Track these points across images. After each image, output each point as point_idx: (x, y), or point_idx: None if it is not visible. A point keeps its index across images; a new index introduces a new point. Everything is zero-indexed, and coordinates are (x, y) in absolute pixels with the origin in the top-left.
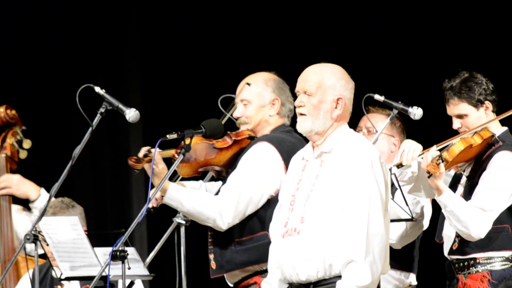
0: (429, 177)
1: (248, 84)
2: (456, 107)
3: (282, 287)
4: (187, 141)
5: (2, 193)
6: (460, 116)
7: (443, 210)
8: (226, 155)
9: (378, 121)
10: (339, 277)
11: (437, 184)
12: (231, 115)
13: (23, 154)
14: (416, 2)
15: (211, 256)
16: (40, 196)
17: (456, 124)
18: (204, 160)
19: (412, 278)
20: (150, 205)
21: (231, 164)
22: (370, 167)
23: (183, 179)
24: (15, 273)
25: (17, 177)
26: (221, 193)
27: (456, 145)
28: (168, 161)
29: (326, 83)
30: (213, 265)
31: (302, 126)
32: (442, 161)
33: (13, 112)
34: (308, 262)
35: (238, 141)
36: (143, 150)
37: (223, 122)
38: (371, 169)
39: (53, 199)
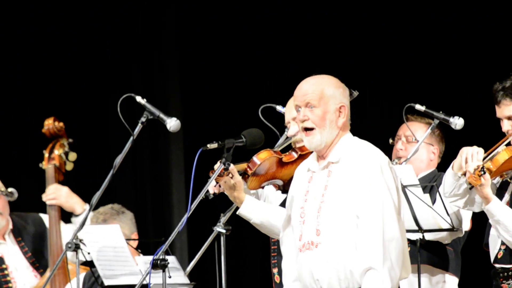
0: (470, 188)
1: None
2: (507, 108)
3: None
4: (259, 158)
5: (51, 203)
6: (511, 118)
7: (490, 220)
8: (291, 169)
9: (417, 129)
10: None
11: (485, 193)
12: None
13: (69, 166)
14: (457, 12)
15: (275, 270)
16: (84, 211)
17: (506, 126)
18: (272, 174)
19: (451, 282)
20: (211, 191)
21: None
22: (380, 173)
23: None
24: (65, 279)
25: (66, 190)
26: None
27: (501, 154)
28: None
29: (327, 93)
30: (277, 279)
31: (312, 142)
32: (484, 172)
33: (61, 124)
34: (331, 274)
35: (303, 155)
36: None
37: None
38: (381, 175)
39: (100, 207)
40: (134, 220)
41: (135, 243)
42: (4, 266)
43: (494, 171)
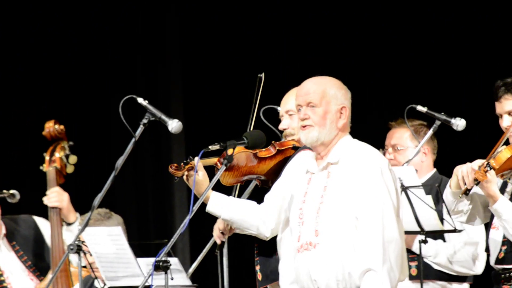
0: (477, 184)
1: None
2: (508, 102)
3: None
4: (230, 151)
5: (54, 206)
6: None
7: (497, 219)
8: (269, 164)
9: (403, 135)
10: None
11: (491, 191)
12: (277, 128)
13: (70, 169)
14: (457, 12)
15: (258, 268)
16: (77, 220)
17: (506, 121)
18: (246, 169)
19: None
20: (218, 241)
21: (277, 173)
22: (380, 174)
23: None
24: (67, 281)
25: (67, 196)
26: (265, 201)
27: (503, 152)
28: (210, 169)
29: (329, 93)
30: (259, 276)
31: (308, 136)
32: (490, 168)
33: (61, 127)
34: (329, 275)
35: (282, 150)
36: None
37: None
38: (381, 177)
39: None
40: (123, 224)
41: None
42: None
43: (497, 168)
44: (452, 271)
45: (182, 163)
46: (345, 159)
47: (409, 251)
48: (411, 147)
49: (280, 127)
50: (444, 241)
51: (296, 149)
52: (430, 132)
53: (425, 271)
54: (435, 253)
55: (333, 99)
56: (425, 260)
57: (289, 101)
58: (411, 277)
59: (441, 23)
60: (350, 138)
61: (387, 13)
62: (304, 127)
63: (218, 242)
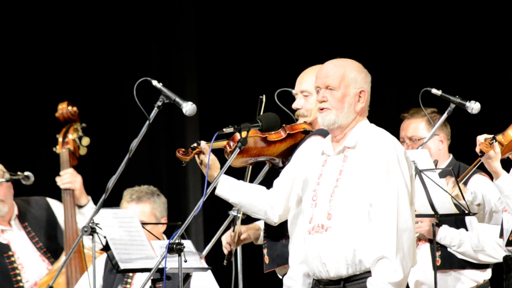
0: (481, 156)
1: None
2: None
3: (306, 281)
4: (244, 134)
5: (67, 187)
6: None
7: (501, 196)
8: (279, 147)
9: (418, 126)
10: (369, 272)
11: (494, 167)
12: (291, 109)
13: (82, 151)
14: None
15: (265, 251)
16: (88, 202)
17: None
18: (256, 151)
19: (488, 274)
20: (226, 252)
21: (287, 155)
22: (397, 162)
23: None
24: (81, 263)
25: (80, 178)
26: (274, 186)
27: None
28: (218, 152)
29: (348, 77)
30: (266, 259)
31: (325, 119)
32: (496, 140)
33: (74, 109)
34: (338, 259)
35: (292, 134)
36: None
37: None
38: (397, 165)
39: (136, 186)
40: (166, 206)
41: (163, 227)
42: (10, 253)
43: (506, 145)
44: (476, 260)
45: (190, 148)
46: (362, 144)
47: (431, 241)
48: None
49: (294, 106)
50: (467, 230)
51: (306, 133)
52: (445, 115)
53: (449, 261)
54: (459, 243)
55: (352, 83)
56: (449, 249)
57: (304, 81)
58: (437, 267)
59: (457, 3)
60: (368, 123)
61: (392, 4)
62: (322, 109)
63: (226, 252)
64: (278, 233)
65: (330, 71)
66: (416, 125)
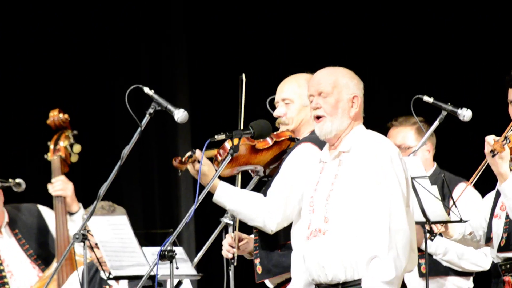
0: (493, 156)
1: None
2: None
3: None
4: (235, 141)
5: (58, 195)
6: None
7: (504, 200)
8: (266, 155)
9: (407, 135)
10: None
11: (503, 169)
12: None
13: (74, 158)
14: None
15: (257, 261)
16: (80, 209)
17: None
18: (244, 160)
19: (471, 282)
20: (230, 256)
21: (272, 164)
22: (390, 163)
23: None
24: (72, 270)
25: (71, 185)
26: (269, 195)
27: None
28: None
29: (341, 82)
30: (258, 269)
31: (322, 129)
32: (509, 141)
33: (66, 116)
34: (336, 261)
35: (278, 142)
36: (189, 153)
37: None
38: (391, 166)
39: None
40: (126, 216)
41: None
42: None
43: None
44: (461, 268)
45: (186, 157)
46: (356, 148)
47: (418, 249)
48: (414, 147)
49: (275, 114)
50: None
51: (293, 140)
52: (436, 123)
53: (434, 268)
54: (444, 251)
55: (344, 88)
56: (434, 257)
57: (285, 89)
58: (421, 274)
59: (448, 11)
60: (363, 128)
61: (390, 7)
62: (318, 118)
63: (230, 256)
64: (272, 243)
65: (322, 78)
66: (405, 134)
